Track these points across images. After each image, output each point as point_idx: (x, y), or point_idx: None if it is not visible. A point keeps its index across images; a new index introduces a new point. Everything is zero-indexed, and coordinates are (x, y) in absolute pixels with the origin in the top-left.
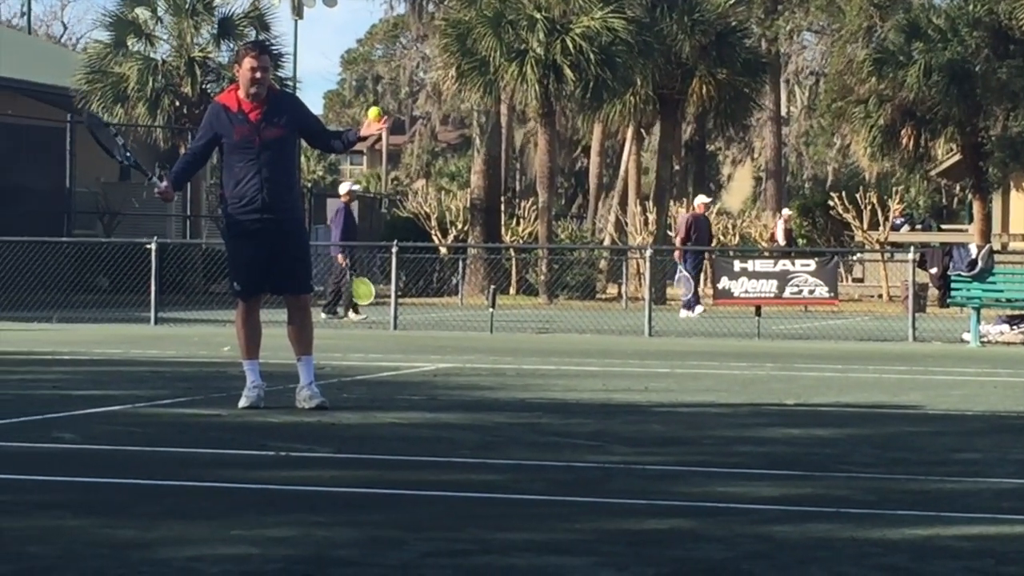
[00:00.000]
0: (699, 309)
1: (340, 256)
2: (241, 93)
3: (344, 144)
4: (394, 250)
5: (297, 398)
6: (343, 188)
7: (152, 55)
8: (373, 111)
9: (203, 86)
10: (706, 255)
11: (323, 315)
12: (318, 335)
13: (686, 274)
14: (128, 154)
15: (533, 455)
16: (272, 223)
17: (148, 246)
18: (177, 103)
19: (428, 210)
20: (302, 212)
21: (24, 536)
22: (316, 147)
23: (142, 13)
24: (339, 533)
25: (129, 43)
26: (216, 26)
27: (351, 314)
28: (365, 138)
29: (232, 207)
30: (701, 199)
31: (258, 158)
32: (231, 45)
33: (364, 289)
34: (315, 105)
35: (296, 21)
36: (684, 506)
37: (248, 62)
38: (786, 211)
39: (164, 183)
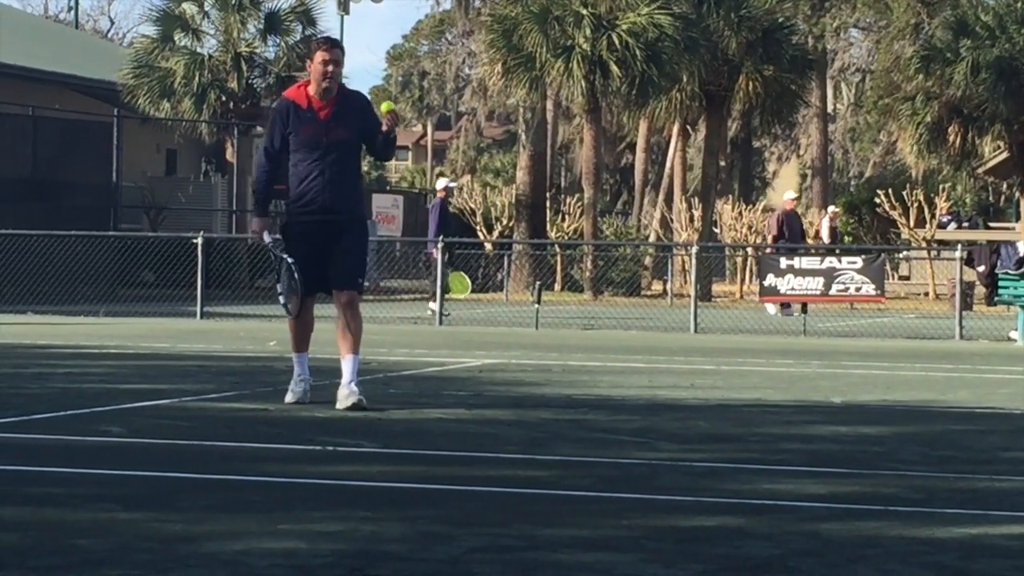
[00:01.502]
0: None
1: (433, 250)
2: (311, 89)
3: (387, 146)
4: (439, 246)
5: (337, 396)
6: (440, 184)
7: (199, 50)
8: (386, 104)
9: (249, 81)
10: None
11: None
12: (364, 330)
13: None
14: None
15: (579, 451)
16: (331, 224)
17: (194, 240)
18: (223, 98)
19: (474, 205)
20: (364, 212)
21: (75, 529)
22: (371, 153)
23: (189, 8)
24: (386, 528)
25: (176, 38)
26: (263, 21)
27: (430, 305)
28: (388, 133)
29: (293, 206)
30: (790, 194)
31: (323, 159)
32: (277, 40)
33: (459, 283)
34: None
35: (342, 16)
36: (731, 503)
37: (320, 55)
38: (832, 208)
39: (270, 239)
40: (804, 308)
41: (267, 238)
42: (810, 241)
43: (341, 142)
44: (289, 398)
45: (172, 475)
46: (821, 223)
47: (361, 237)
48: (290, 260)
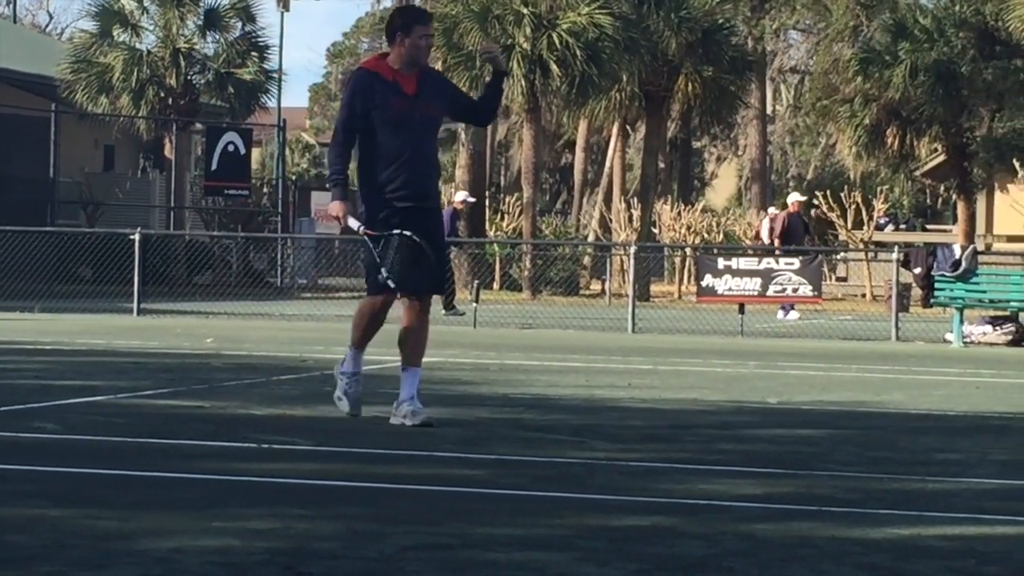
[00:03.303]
0: (794, 315)
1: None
2: (395, 63)
3: (498, 99)
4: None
5: (395, 412)
6: (459, 196)
7: (137, 46)
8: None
9: (188, 77)
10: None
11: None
12: (302, 328)
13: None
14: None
15: (515, 450)
16: (423, 213)
17: (131, 237)
18: (162, 94)
19: None
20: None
21: (6, 525)
22: (471, 121)
23: (128, 3)
24: (320, 526)
25: (115, 33)
26: (202, 17)
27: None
28: (504, 74)
29: (380, 196)
30: (795, 197)
31: (414, 136)
32: (216, 36)
33: None
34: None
35: (282, 13)
36: (666, 503)
37: (420, 30)
38: (772, 210)
39: (358, 224)
40: (741, 309)
41: (353, 223)
42: (748, 242)
43: (429, 120)
44: (344, 407)
45: (106, 472)
46: (760, 224)
47: (444, 231)
48: (408, 232)
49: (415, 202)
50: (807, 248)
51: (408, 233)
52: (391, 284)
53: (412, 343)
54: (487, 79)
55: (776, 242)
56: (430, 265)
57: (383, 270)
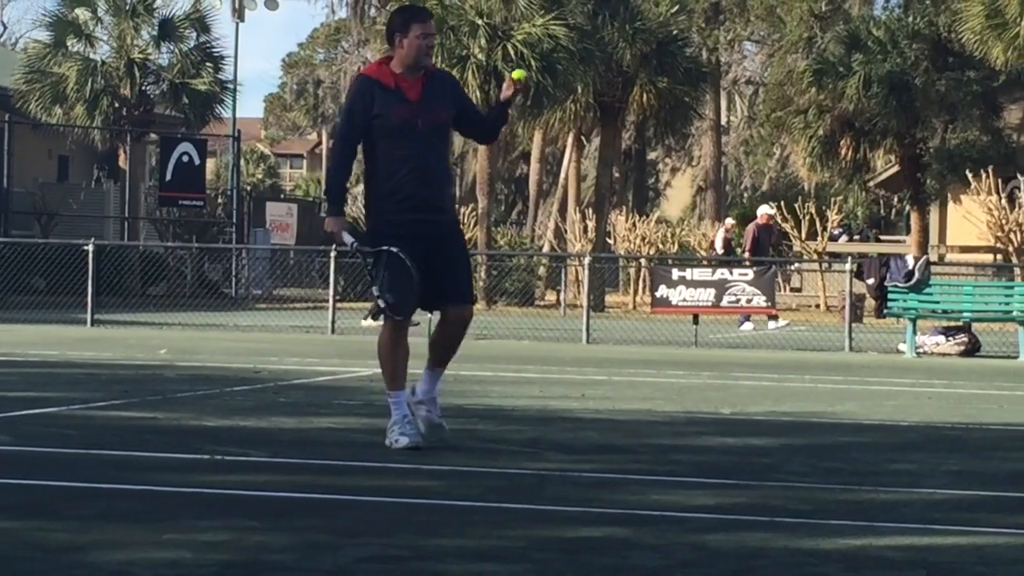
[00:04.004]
0: (748, 326)
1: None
2: (397, 67)
3: (504, 120)
4: (332, 254)
5: (420, 414)
6: (762, 210)
7: (92, 56)
8: (517, 72)
9: (143, 88)
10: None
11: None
12: (256, 339)
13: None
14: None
15: (469, 461)
16: (431, 224)
17: (85, 247)
18: (116, 105)
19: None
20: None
21: None
22: (469, 133)
23: (82, 14)
24: (273, 538)
25: (69, 44)
26: (156, 28)
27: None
28: (509, 103)
29: (384, 205)
30: (764, 209)
31: (417, 146)
32: (171, 47)
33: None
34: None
35: (237, 23)
36: (619, 514)
37: (418, 28)
38: (729, 221)
39: (351, 240)
40: (696, 319)
41: (347, 238)
42: (703, 252)
43: (436, 126)
44: (403, 442)
45: (57, 484)
46: (715, 235)
47: (464, 240)
48: (395, 249)
49: (422, 214)
50: (762, 259)
51: (395, 250)
52: (388, 301)
53: (446, 348)
54: (498, 108)
55: (746, 255)
56: (413, 284)
57: (374, 288)
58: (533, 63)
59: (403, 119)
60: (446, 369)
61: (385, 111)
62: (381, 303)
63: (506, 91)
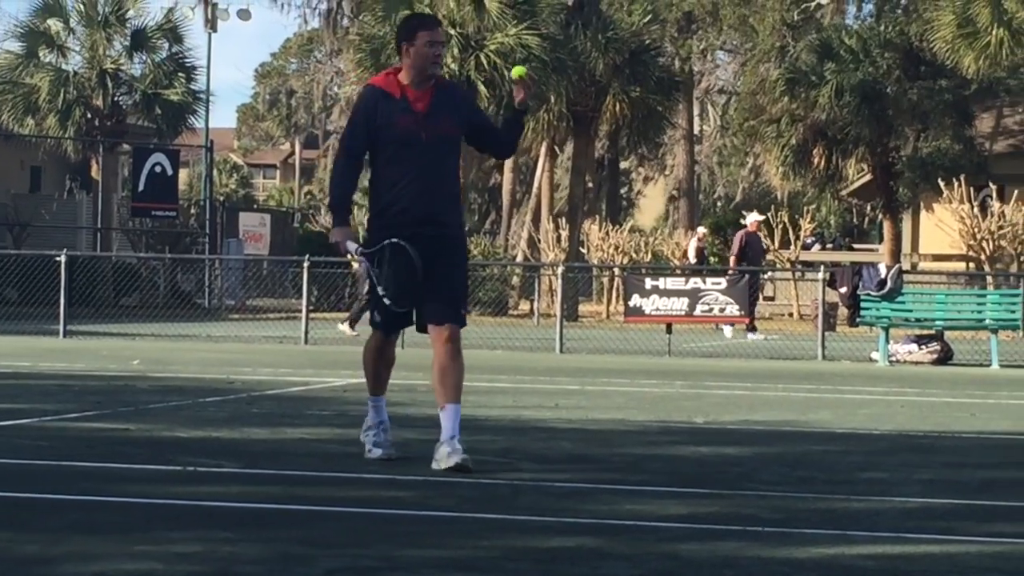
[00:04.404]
0: (728, 330)
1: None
2: (404, 77)
3: (519, 132)
4: (306, 265)
5: (435, 455)
6: (751, 217)
7: (64, 67)
8: (517, 70)
9: (115, 98)
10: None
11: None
12: (229, 349)
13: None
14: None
15: (442, 472)
16: (428, 240)
17: (58, 258)
18: (89, 115)
19: None
20: (464, 227)
21: None
22: (485, 148)
23: (54, 24)
24: (245, 549)
25: (40, 54)
26: (129, 38)
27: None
28: (525, 111)
29: (381, 219)
30: (753, 216)
31: (421, 158)
32: (144, 57)
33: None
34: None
35: (210, 34)
36: (592, 524)
37: (424, 36)
38: (701, 230)
39: (355, 246)
40: (669, 328)
41: (351, 246)
42: (676, 262)
43: (442, 139)
44: (376, 454)
45: (29, 495)
46: (688, 244)
47: (462, 257)
48: (398, 240)
49: (420, 227)
50: (734, 268)
51: (398, 240)
52: (387, 300)
53: (442, 378)
54: (513, 118)
55: (732, 260)
56: (415, 275)
57: (379, 288)
58: (506, 73)
59: (406, 130)
60: (457, 403)
61: (389, 121)
62: (372, 312)
63: (517, 95)
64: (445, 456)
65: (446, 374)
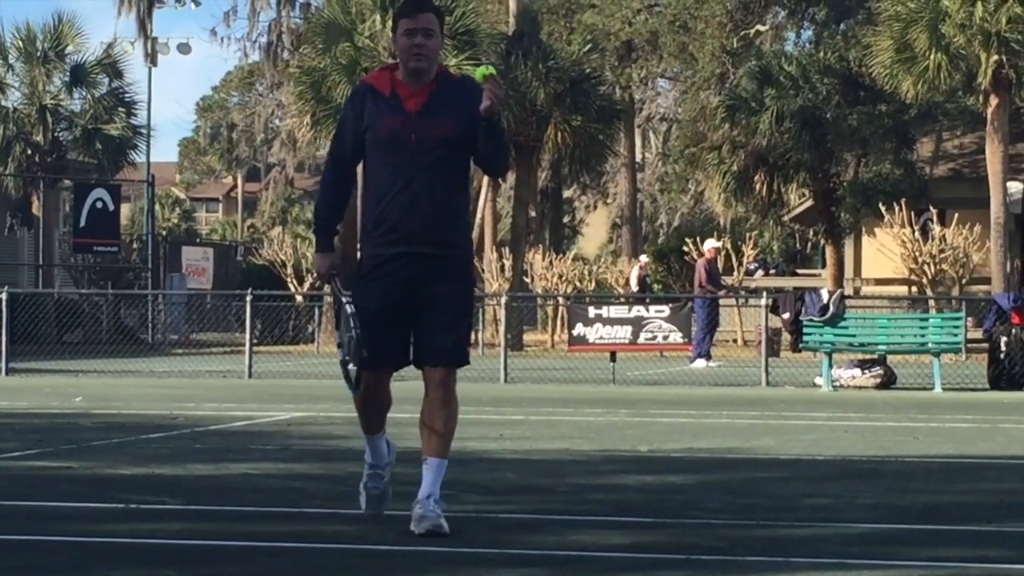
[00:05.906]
0: (703, 363)
1: None
2: (400, 74)
3: (492, 144)
4: (248, 298)
5: (413, 512)
6: (708, 244)
7: (3, 103)
8: (481, 71)
9: (55, 134)
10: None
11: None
12: (173, 384)
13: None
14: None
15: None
16: (424, 260)
17: None
18: (29, 151)
19: (284, 258)
20: (471, 249)
21: None
22: (480, 167)
23: None
24: None
25: None
26: (68, 74)
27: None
28: (490, 119)
29: (369, 236)
30: (711, 243)
31: (411, 164)
32: (84, 93)
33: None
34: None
35: (150, 68)
36: (536, 555)
37: (404, 24)
38: (643, 258)
39: (339, 282)
40: (613, 357)
41: (338, 287)
42: (620, 290)
43: (437, 142)
44: (362, 505)
45: None
46: (631, 272)
47: (466, 282)
48: (347, 303)
49: (408, 246)
50: (679, 295)
51: (352, 310)
52: (347, 366)
53: (429, 424)
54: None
55: (697, 289)
56: (426, 325)
57: (339, 350)
58: None
59: (392, 131)
60: (442, 458)
61: (374, 122)
62: (347, 367)
63: (485, 102)
64: (416, 519)
65: (435, 421)
